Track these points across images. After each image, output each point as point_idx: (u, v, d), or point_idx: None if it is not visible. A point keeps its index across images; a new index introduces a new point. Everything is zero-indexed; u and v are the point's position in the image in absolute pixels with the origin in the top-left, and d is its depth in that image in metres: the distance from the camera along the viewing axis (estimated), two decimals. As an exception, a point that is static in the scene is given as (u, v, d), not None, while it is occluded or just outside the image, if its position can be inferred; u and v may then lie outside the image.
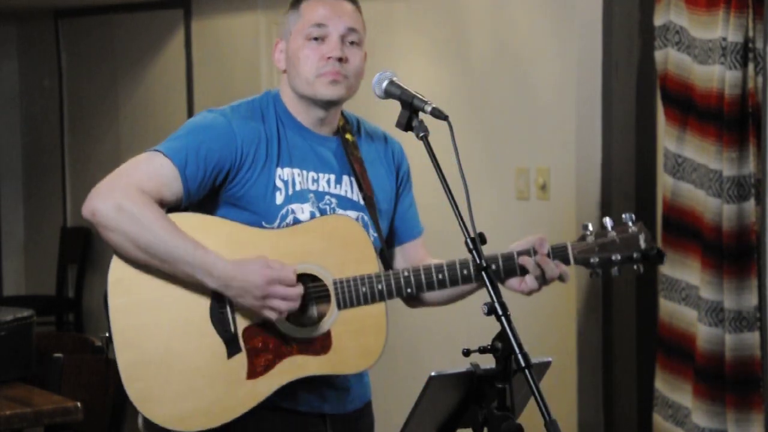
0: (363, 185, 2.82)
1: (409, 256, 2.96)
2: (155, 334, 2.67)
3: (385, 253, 2.89)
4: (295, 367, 2.70)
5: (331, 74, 2.75)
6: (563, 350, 5.12)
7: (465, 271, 2.73)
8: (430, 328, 5.68)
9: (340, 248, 2.72)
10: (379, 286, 2.70)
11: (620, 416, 5.31)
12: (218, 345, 2.68)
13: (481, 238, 2.43)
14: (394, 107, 2.70)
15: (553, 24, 5.20)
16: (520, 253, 2.74)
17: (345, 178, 2.83)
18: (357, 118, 2.94)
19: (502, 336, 2.28)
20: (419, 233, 2.99)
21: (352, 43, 2.78)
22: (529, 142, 5.31)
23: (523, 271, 2.74)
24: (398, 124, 2.64)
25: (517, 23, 5.34)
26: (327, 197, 2.80)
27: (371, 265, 2.74)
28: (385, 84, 2.67)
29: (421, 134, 2.58)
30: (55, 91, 8.65)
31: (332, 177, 2.81)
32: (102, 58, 8.24)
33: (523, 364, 2.24)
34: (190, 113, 7.47)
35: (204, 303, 2.69)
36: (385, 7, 5.89)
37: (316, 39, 2.76)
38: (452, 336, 5.51)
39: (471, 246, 2.39)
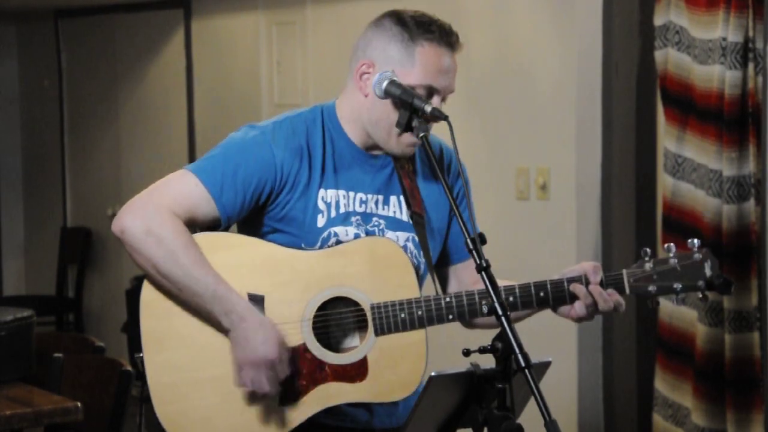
0: (411, 203, 2.70)
1: (461, 279, 2.83)
2: (187, 361, 2.60)
3: (434, 274, 2.75)
4: (329, 395, 2.60)
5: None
6: (563, 350, 5.12)
7: (511, 299, 2.62)
8: (430, 328, 5.67)
9: (380, 272, 2.61)
10: (419, 312, 2.60)
11: (620, 416, 5.31)
12: None
13: (482, 239, 2.40)
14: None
15: (553, 24, 5.20)
16: (570, 281, 2.64)
17: (393, 198, 2.71)
18: None
19: (502, 336, 2.27)
20: None
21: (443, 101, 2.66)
22: (529, 142, 5.31)
23: (573, 298, 2.64)
24: (398, 124, 2.60)
25: (517, 23, 5.34)
26: (375, 219, 2.69)
27: (412, 291, 2.62)
28: (385, 84, 2.59)
29: (421, 134, 2.55)
30: (55, 91, 8.65)
31: (380, 198, 2.70)
32: (102, 58, 8.24)
33: (523, 364, 2.23)
34: (190, 113, 7.47)
35: None
36: (385, 7, 5.86)
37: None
38: (452, 336, 5.50)
39: (471, 246, 2.36)
